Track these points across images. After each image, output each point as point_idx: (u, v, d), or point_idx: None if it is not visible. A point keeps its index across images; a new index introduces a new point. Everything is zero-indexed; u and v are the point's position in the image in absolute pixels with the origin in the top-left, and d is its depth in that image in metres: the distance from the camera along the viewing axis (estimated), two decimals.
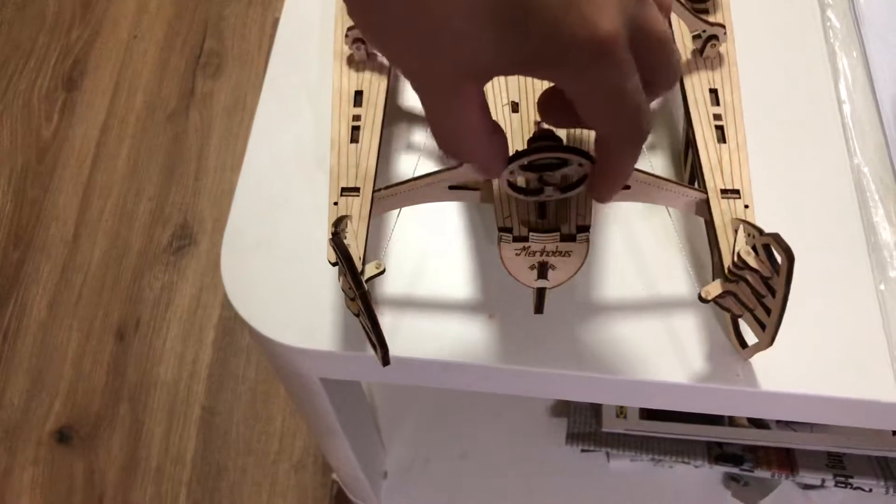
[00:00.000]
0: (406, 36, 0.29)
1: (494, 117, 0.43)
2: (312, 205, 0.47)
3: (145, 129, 1.38)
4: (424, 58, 0.30)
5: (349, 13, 0.30)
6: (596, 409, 0.78)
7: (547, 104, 0.35)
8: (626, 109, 0.30)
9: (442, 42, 0.29)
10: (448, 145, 0.33)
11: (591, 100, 0.30)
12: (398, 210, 0.45)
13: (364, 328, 0.39)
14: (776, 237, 0.36)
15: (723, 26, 0.47)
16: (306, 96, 0.52)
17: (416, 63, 0.30)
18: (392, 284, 0.46)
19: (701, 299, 0.41)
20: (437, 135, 0.33)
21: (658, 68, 0.31)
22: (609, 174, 0.35)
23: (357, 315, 0.39)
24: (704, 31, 0.47)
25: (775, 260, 0.37)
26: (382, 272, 0.40)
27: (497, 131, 0.34)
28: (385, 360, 0.39)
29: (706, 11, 0.48)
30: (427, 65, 0.30)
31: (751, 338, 0.42)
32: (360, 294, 0.36)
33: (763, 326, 0.39)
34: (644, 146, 0.50)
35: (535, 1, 0.27)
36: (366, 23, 0.30)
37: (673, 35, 0.48)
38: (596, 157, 0.34)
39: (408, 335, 0.44)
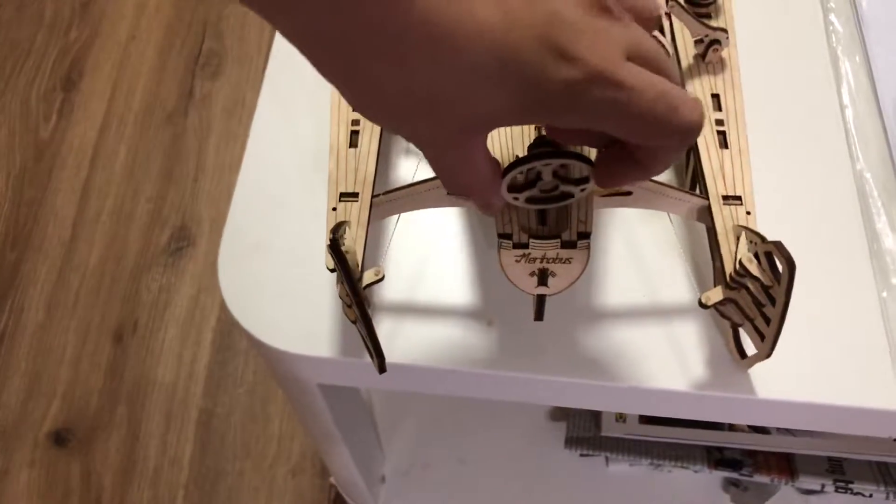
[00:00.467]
0: (398, 109, 0.29)
1: None
2: (311, 208, 0.47)
3: (144, 129, 1.38)
4: (421, 126, 0.30)
5: (341, 94, 0.30)
6: (595, 414, 0.78)
7: (551, 131, 0.35)
8: (653, 120, 0.29)
9: (434, 110, 0.29)
10: (453, 189, 0.35)
11: (612, 126, 0.30)
12: (397, 215, 0.45)
13: (361, 336, 0.39)
14: (778, 245, 0.35)
15: (725, 31, 0.46)
16: (306, 98, 0.51)
17: (414, 130, 0.31)
18: (392, 290, 0.45)
19: (701, 305, 0.40)
20: (445, 183, 0.34)
21: None
22: (644, 169, 0.33)
23: (354, 322, 0.39)
24: (707, 36, 0.46)
25: (777, 268, 0.36)
26: (381, 279, 0.39)
27: (496, 171, 0.34)
28: (381, 368, 0.38)
29: (708, 16, 0.48)
30: (424, 131, 0.30)
31: (751, 349, 0.41)
32: (356, 302, 0.36)
33: (762, 337, 0.39)
34: None
35: (520, 55, 0.27)
36: (358, 102, 0.30)
37: (671, 49, 0.48)
38: (632, 154, 0.33)
39: (407, 341, 0.44)
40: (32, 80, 1.43)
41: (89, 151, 1.36)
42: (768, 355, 0.39)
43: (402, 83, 0.28)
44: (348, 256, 0.37)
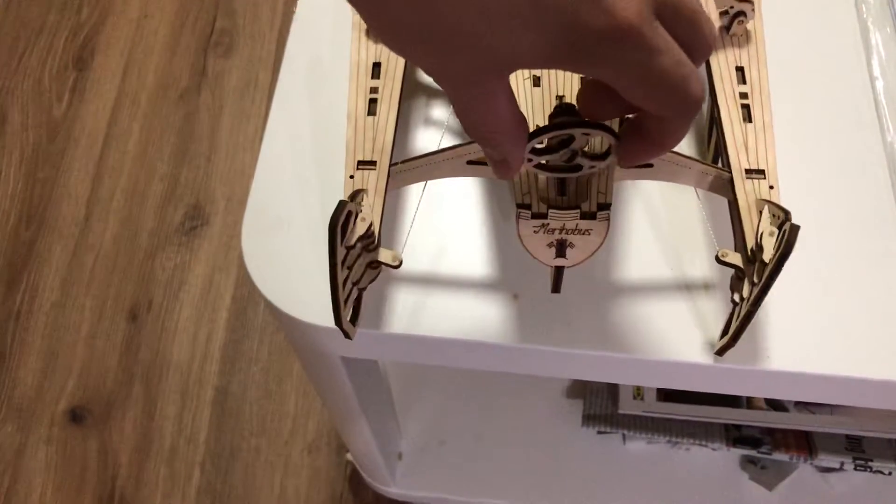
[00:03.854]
0: (421, 40, 0.28)
1: (515, 91, 0.43)
2: (333, 181, 0.47)
3: (157, 108, 1.37)
4: (443, 59, 0.29)
5: (363, 19, 0.30)
6: (613, 391, 0.78)
7: (586, 97, 0.34)
8: (669, 86, 0.29)
9: (457, 44, 0.28)
10: (476, 135, 0.33)
11: (631, 85, 0.29)
12: (423, 186, 0.44)
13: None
14: (793, 227, 0.34)
15: (751, 2, 0.46)
16: (326, 71, 0.51)
17: (435, 64, 0.30)
18: (416, 262, 0.45)
19: (718, 260, 0.39)
20: (465, 126, 0.32)
21: (690, 41, 0.30)
22: (658, 145, 0.33)
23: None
24: (732, 8, 0.46)
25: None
26: (398, 266, 0.39)
27: (521, 121, 0.33)
28: (346, 335, 0.38)
29: None
30: (446, 65, 0.29)
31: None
32: (330, 265, 0.35)
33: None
34: None
35: None
36: (380, 29, 0.29)
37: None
38: (645, 128, 0.33)
39: (433, 314, 0.44)
40: (45, 60, 1.43)
41: (102, 130, 1.36)
42: (732, 341, 0.38)
43: (423, 11, 0.27)
44: (362, 224, 0.37)
